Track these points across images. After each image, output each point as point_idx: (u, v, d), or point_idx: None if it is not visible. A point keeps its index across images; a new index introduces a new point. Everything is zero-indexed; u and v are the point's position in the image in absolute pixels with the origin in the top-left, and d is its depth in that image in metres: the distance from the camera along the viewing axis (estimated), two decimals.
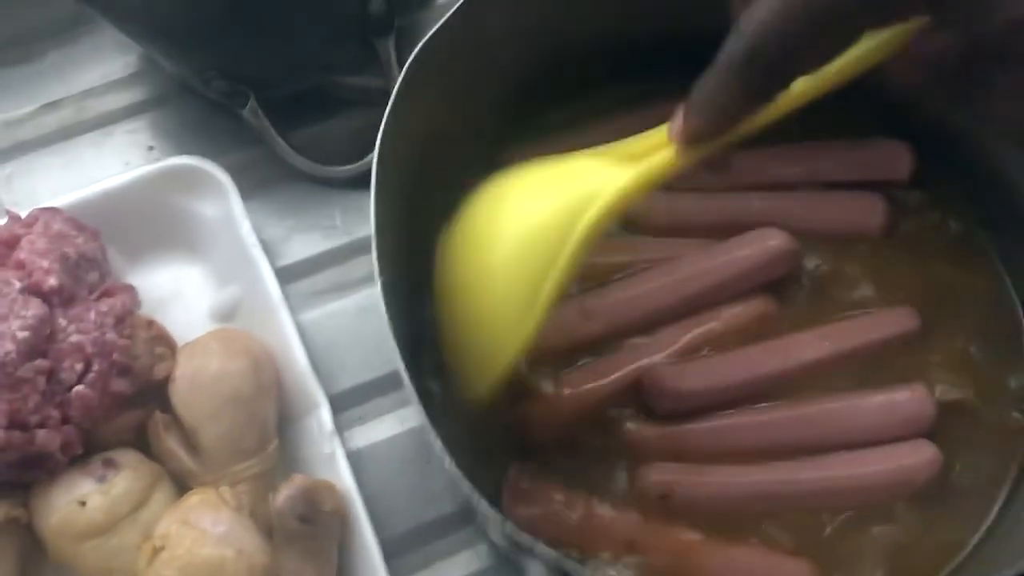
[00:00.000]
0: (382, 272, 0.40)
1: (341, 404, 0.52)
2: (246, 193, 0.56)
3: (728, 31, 0.34)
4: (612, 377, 0.48)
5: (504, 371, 0.41)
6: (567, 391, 0.48)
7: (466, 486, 0.38)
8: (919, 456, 0.45)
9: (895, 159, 0.53)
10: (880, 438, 0.45)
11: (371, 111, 0.55)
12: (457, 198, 0.53)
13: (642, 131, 0.53)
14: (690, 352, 0.48)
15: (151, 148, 0.59)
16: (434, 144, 0.48)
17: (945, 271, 0.50)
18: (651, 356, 0.48)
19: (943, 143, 0.52)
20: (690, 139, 0.35)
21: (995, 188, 0.50)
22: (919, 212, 0.52)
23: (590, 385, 0.48)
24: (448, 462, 0.38)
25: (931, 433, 0.46)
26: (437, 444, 0.38)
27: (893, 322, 0.48)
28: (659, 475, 0.45)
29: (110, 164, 0.59)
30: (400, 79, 0.43)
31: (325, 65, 0.55)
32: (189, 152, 0.57)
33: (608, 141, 0.53)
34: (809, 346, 0.47)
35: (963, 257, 0.51)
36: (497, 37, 0.48)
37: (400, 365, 0.39)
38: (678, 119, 0.35)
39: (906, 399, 0.46)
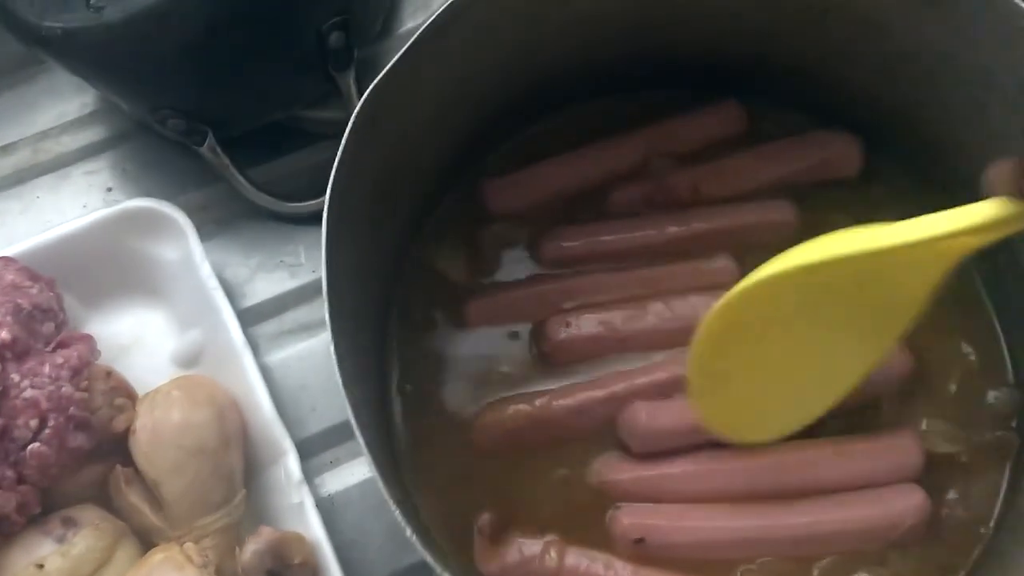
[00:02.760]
0: (335, 333, 0.39)
1: (311, 448, 0.51)
2: (208, 232, 0.55)
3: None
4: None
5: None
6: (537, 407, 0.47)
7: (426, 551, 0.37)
8: (907, 501, 0.44)
9: (842, 153, 0.52)
10: (866, 484, 0.44)
11: (333, 145, 0.53)
12: (422, 228, 0.54)
13: (619, 154, 0.55)
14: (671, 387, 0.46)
15: (110, 189, 0.58)
16: (396, 173, 0.47)
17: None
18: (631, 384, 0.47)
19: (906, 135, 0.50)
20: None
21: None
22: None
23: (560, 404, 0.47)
24: (409, 533, 0.37)
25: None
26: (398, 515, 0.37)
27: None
28: (633, 518, 0.44)
29: (68, 207, 0.57)
30: (355, 113, 0.42)
31: (285, 101, 0.54)
32: (149, 192, 0.56)
33: (591, 163, 0.54)
34: None
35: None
36: (457, 65, 0.47)
37: (352, 419, 0.37)
38: (1005, 171, 0.35)
39: (893, 447, 0.45)
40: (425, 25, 0.43)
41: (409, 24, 0.57)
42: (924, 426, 0.46)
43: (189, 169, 0.56)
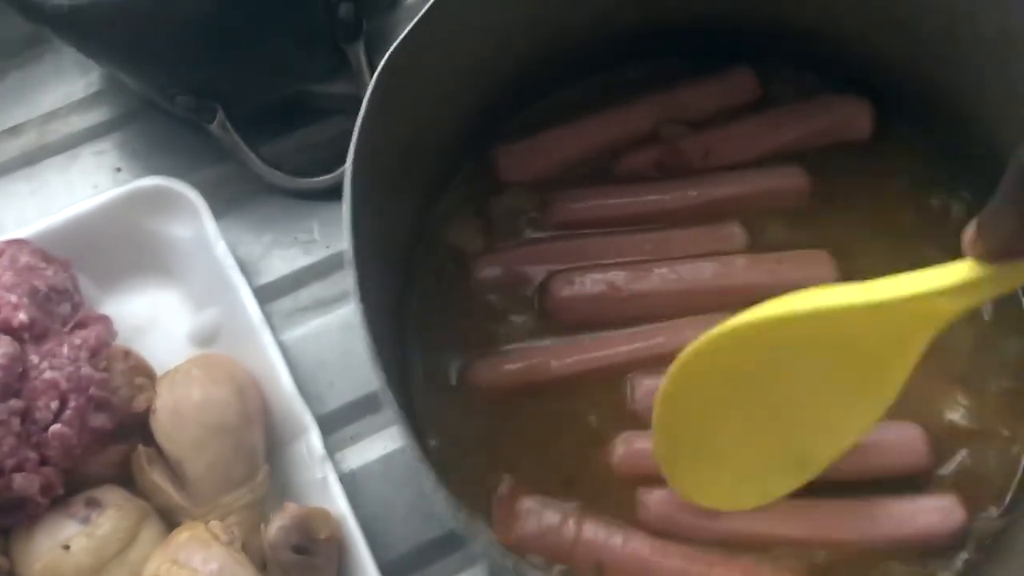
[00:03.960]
0: (363, 299, 0.38)
1: (332, 424, 0.50)
2: (220, 210, 0.54)
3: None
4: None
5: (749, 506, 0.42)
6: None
7: (455, 517, 0.36)
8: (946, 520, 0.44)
9: (853, 116, 0.52)
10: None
11: (344, 119, 0.53)
12: (437, 202, 0.53)
13: (630, 120, 0.54)
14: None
15: (119, 169, 0.57)
16: (411, 149, 0.46)
17: None
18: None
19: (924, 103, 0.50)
20: (986, 257, 0.33)
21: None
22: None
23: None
24: (437, 492, 0.36)
25: None
26: (429, 480, 0.36)
27: None
28: (661, 508, 0.44)
29: (78, 188, 0.57)
30: (370, 87, 0.41)
31: (295, 75, 0.53)
32: (159, 171, 0.55)
33: (602, 129, 0.54)
34: None
35: None
36: (469, 37, 0.46)
37: (384, 390, 0.37)
38: (970, 235, 0.33)
39: (931, 508, 0.44)
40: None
41: None
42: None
43: (199, 147, 0.56)
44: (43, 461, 0.43)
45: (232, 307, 0.49)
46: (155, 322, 0.52)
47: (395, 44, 0.42)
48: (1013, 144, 0.46)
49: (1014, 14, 0.41)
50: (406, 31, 0.42)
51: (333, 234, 0.55)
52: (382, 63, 0.41)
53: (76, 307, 0.47)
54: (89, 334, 0.46)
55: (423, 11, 0.42)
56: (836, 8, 0.48)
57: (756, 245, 0.50)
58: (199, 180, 0.55)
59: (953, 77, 0.47)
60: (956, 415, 0.47)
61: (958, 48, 0.45)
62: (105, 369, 0.45)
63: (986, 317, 0.49)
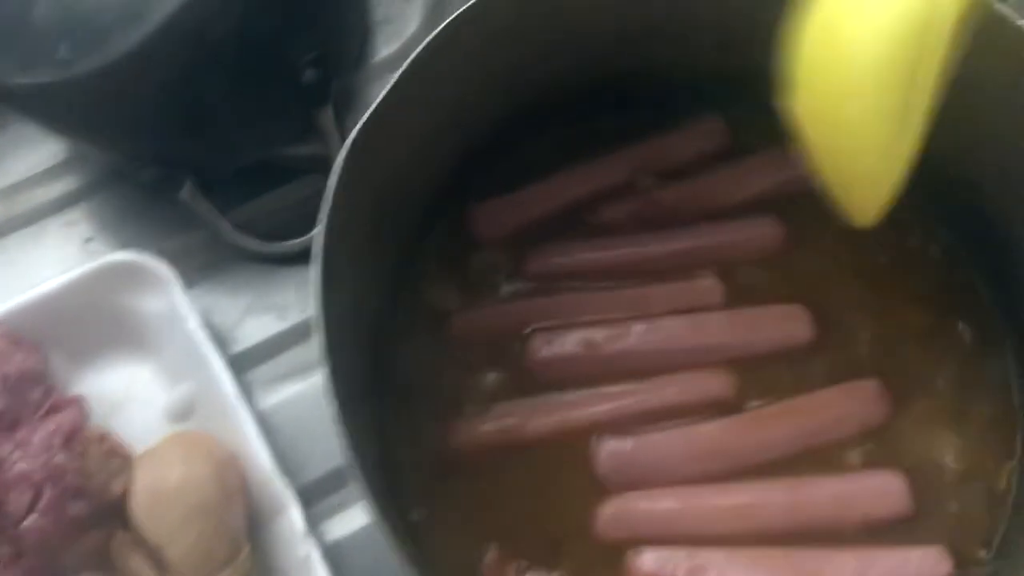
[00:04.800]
0: (331, 371, 0.38)
1: (315, 493, 0.50)
2: (193, 278, 0.54)
3: None
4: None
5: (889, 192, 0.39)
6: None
7: None
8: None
9: None
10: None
11: (317, 178, 0.53)
12: (413, 261, 0.53)
13: (605, 173, 0.54)
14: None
15: (89, 240, 0.56)
16: (383, 211, 0.46)
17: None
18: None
19: None
20: None
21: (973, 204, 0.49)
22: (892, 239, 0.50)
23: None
24: None
25: None
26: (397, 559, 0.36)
27: (860, 398, 0.47)
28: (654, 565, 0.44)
29: (48, 261, 0.56)
30: (341, 156, 0.41)
31: (264, 142, 0.53)
32: (130, 240, 0.55)
33: (577, 183, 0.53)
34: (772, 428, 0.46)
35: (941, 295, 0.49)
36: (439, 98, 0.46)
37: (351, 467, 0.37)
38: None
39: (918, 558, 0.44)
40: (409, 61, 0.42)
41: (384, 52, 0.56)
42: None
43: (169, 214, 0.55)
44: (19, 555, 0.42)
45: (207, 382, 0.49)
46: (130, 398, 0.51)
47: (367, 114, 0.41)
48: (987, 188, 0.47)
49: (978, 61, 0.41)
50: (375, 102, 0.42)
51: (308, 298, 0.55)
52: (351, 136, 0.41)
53: (48, 391, 0.47)
54: (63, 419, 0.45)
55: (393, 79, 0.42)
56: None
57: (733, 294, 0.50)
58: (171, 248, 0.55)
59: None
60: (946, 456, 0.47)
61: None
62: (80, 454, 0.45)
63: (964, 336, 0.49)
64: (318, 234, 0.39)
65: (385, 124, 0.42)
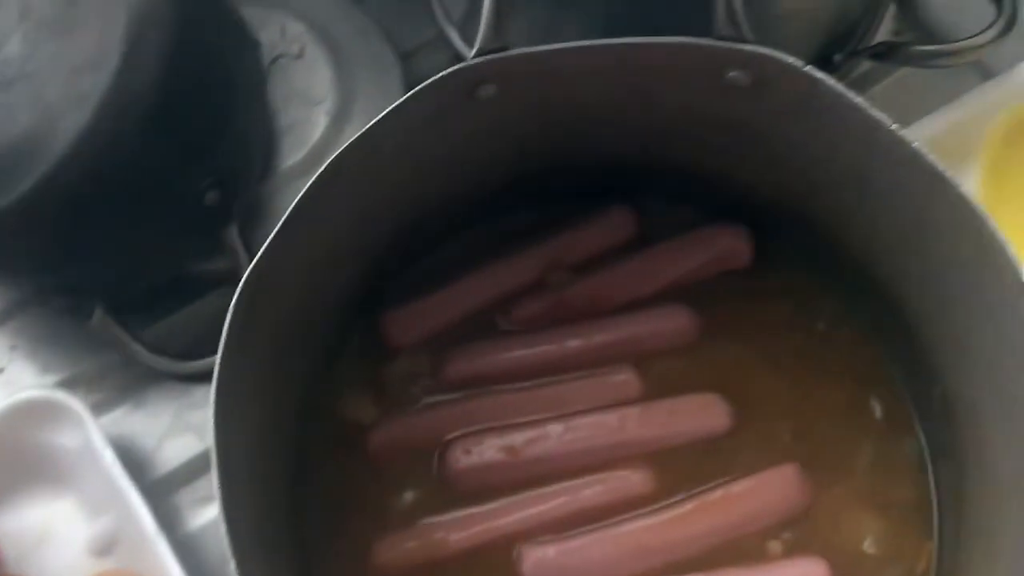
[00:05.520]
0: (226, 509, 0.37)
1: None
2: (111, 401, 0.54)
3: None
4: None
5: None
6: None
7: None
8: None
9: (732, 246, 0.52)
10: None
11: (227, 292, 0.52)
12: (327, 375, 0.51)
13: (515, 272, 0.54)
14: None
15: (1, 370, 0.56)
16: (292, 327, 0.45)
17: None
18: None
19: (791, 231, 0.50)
20: None
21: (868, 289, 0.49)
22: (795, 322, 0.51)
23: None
24: None
25: None
26: None
27: (779, 486, 0.47)
28: None
29: None
30: (242, 282, 0.40)
31: (171, 263, 0.52)
32: (45, 366, 0.55)
33: (488, 285, 0.53)
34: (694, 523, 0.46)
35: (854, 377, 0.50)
36: (344, 215, 0.45)
37: None
38: None
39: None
40: (310, 184, 0.41)
41: (289, 161, 0.56)
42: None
43: (84, 338, 0.54)
44: None
45: (127, 515, 0.48)
46: (51, 534, 0.50)
47: (267, 241, 0.41)
48: (884, 273, 0.47)
49: (863, 160, 0.42)
50: (277, 226, 0.41)
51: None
52: (253, 262, 0.40)
53: None
54: None
55: (294, 203, 0.41)
56: (701, 151, 0.48)
57: (650, 385, 0.50)
58: (87, 372, 0.55)
59: (818, 211, 0.48)
60: (866, 540, 0.47)
61: (815, 188, 0.46)
62: None
63: (878, 415, 0.50)
64: (216, 361, 0.39)
65: (288, 244, 0.41)
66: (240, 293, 0.40)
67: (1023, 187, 0.55)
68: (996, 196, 0.54)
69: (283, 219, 0.41)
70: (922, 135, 0.55)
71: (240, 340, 0.40)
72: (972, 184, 0.55)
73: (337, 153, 0.41)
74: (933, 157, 0.38)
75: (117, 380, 0.54)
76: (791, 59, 0.40)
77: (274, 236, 0.40)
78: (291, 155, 0.56)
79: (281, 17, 0.59)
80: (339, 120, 0.57)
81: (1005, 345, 0.39)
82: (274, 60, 0.57)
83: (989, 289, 0.38)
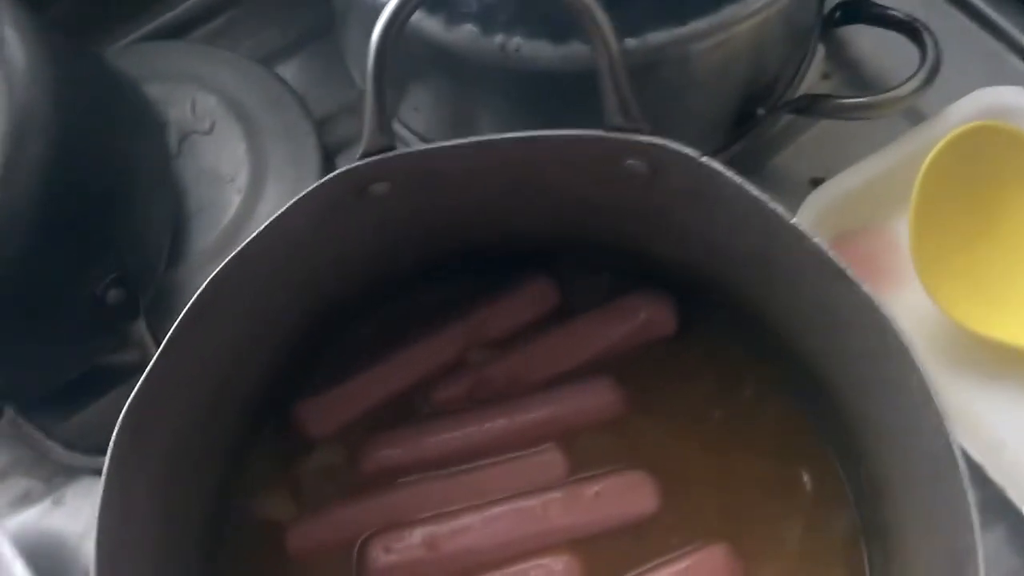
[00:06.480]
0: None
1: None
2: (29, 498, 0.54)
3: None
4: None
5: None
6: None
7: None
8: None
9: (656, 315, 0.50)
10: None
11: None
12: (241, 472, 0.49)
13: (433, 353, 0.52)
14: None
15: None
16: (198, 427, 0.44)
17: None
18: None
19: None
20: None
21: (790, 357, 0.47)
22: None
23: None
24: None
25: None
26: None
27: (709, 569, 0.45)
28: None
29: None
30: (129, 402, 0.39)
31: (78, 361, 0.51)
32: None
33: (405, 368, 0.52)
34: None
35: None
36: (244, 307, 0.44)
37: None
38: None
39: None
40: (203, 286, 0.40)
41: (201, 243, 0.54)
42: None
43: None
44: None
45: None
46: None
47: (162, 344, 0.39)
48: (806, 350, 0.46)
49: (766, 247, 0.40)
50: (172, 327, 0.40)
51: None
52: (148, 367, 0.39)
53: None
54: None
55: (189, 303, 0.39)
56: (611, 230, 0.47)
57: (575, 463, 0.49)
58: (1, 469, 0.53)
59: (738, 281, 0.46)
60: None
61: (726, 266, 0.45)
62: None
63: (808, 490, 0.48)
64: (103, 473, 0.37)
65: (188, 344, 0.40)
66: (132, 399, 0.39)
67: (955, 227, 0.54)
68: (928, 248, 0.52)
69: (177, 323, 0.39)
70: (851, 184, 0.55)
71: (131, 448, 0.39)
72: (904, 230, 0.53)
73: (225, 261, 0.40)
74: (834, 253, 0.36)
75: (34, 477, 0.53)
76: (686, 149, 0.38)
77: (168, 340, 0.39)
78: (203, 237, 0.54)
79: (192, 91, 0.57)
80: (251, 197, 0.55)
81: (913, 433, 0.38)
82: (184, 138, 0.56)
83: (895, 384, 0.37)
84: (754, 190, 0.37)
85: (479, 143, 0.39)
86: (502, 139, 0.39)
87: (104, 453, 0.51)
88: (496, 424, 0.49)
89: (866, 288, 0.36)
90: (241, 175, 0.55)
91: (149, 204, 0.50)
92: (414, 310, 0.52)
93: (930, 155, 0.50)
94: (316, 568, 0.47)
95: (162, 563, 0.42)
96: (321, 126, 0.59)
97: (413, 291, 0.52)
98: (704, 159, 0.38)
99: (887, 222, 0.54)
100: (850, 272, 0.36)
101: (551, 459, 0.49)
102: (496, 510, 0.47)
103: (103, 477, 0.38)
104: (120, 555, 0.38)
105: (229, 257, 0.40)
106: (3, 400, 0.50)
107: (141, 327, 0.50)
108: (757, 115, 0.53)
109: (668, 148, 0.38)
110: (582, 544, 0.47)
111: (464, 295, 0.52)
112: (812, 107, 0.53)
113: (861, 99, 0.52)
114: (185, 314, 0.40)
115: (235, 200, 0.55)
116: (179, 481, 0.44)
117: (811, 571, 0.46)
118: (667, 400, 0.49)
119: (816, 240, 0.36)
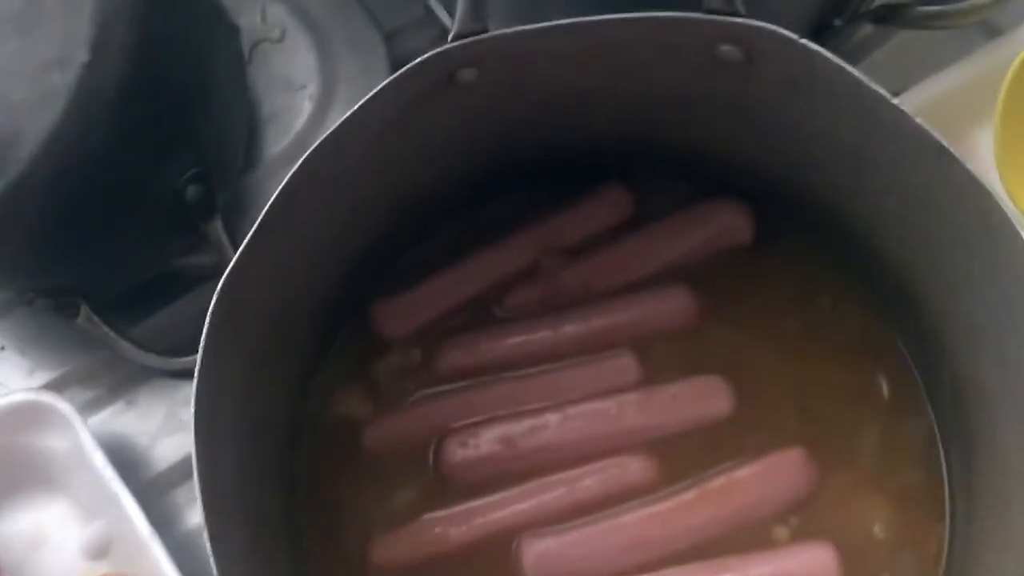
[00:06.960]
0: (211, 524, 0.36)
1: None
2: (102, 400, 0.53)
3: None
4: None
5: None
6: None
7: None
8: None
9: (733, 223, 0.50)
10: None
11: (214, 288, 0.51)
12: (319, 370, 0.50)
13: (508, 258, 0.52)
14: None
15: None
16: (281, 322, 0.44)
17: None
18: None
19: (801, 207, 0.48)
20: None
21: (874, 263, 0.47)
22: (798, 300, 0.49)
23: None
24: None
25: None
26: None
27: (785, 470, 0.45)
28: None
29: None
30: (223, 277, 0.39)
31: (154, 260, 0.51)
32: (34, 366, 0.54)
33: (480, 272, 0.52)
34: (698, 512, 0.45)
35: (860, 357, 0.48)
36: (329, 207, 0.44)
37: None
38: None
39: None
40: (286, 180, 0.40)
41: (274, 149, 0.54)
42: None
43: (72, 337, 0.53)
44: None
45: (120, 518, 0.47)
46: (46, 538, 0.50)
47: (248, 236, 0.39)
48: (890, 250, 0.46)
49: (863, 136, 0.40)
50: (257, 220, 0.40)
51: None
52: (234, 258, 0.39)
53: None
54: None
55: (271, 200, 0.39)
56: (695, 127, 0.46)
57: (650, 370, 0.49)
58: (76, 372, 0.54)
59: (821, 185, 0.46)
60: (875, 524, 0.46)
61: (818, 163, 0.44)
62: None
63: (885, 396, 0.48)
64: (197, 360, 0.38)
65: (269, 241, 0.40)
66: (219, 292, 0.39)
67: None
68: (1012, 158, 0.52)
69: (260, 217, 0.39)
70: (929, 97, 0.54)
71: (221, 340, 0.39)
72: (986, 146, 0.53)
73: (310, 151, 0.40)
74: (937, 132, 0.36)
75: (109, 377, 0.54)
76: (786, 32, 0.38)
77: (252, 234, 0.39)
78: (276, 143, 0.54)
79: (261, 0, 0.57)
80: (323, 105, 0.55)
81: (1014, 326, 0.37)
82: (255, 46, 0.56)
83: (997, 269, 0.37)
84: (856, 72, 0.37)
85: (574, 24, 0.39)
86: (598, 20, 0.39)
87: (177, 355, 0.52)
88: (569, 329, 0.50)
89: (970, 166, 0.35)
90: (312, 83, 0.56)
91: (226, 103, 0.50)
92: (489, 219, 0.52)
93: (1014, 64, 0.49)
94: (391, 464, 0.48)
95: (248, 459, 0.43)
96: (389, 40, 0.59)
97: (488, 202, 0.52)
98: (804, 41, 0.37)
99: (965, 136, 0.53)
100: (953, 150, 0.36)
101: (625, 363, 0.49)
102: (572, 410, 0.48)
103: (196, 374, 0.38)
104: (217, 452, 0.38)
105: (319, 141, 0.40)
106: (79, 298, 0.51)
107: (218, 227, 0.50)
108: (834, 26, 0.52)
109: (767, 30, 0.38)
110: (657, 445, 0.47)
111: (538, 205, 0.52)
112: (890, 16, 0.52)
113: (940, 7, 0.51)
114: (273, 200, 0.39)
115: (307, 107, 0.55)
116: (262, 379, 0.44)
117: (888, 474, 0.46)
118: (742, 308, 0.49)
119: (919, 120, 0.36)
